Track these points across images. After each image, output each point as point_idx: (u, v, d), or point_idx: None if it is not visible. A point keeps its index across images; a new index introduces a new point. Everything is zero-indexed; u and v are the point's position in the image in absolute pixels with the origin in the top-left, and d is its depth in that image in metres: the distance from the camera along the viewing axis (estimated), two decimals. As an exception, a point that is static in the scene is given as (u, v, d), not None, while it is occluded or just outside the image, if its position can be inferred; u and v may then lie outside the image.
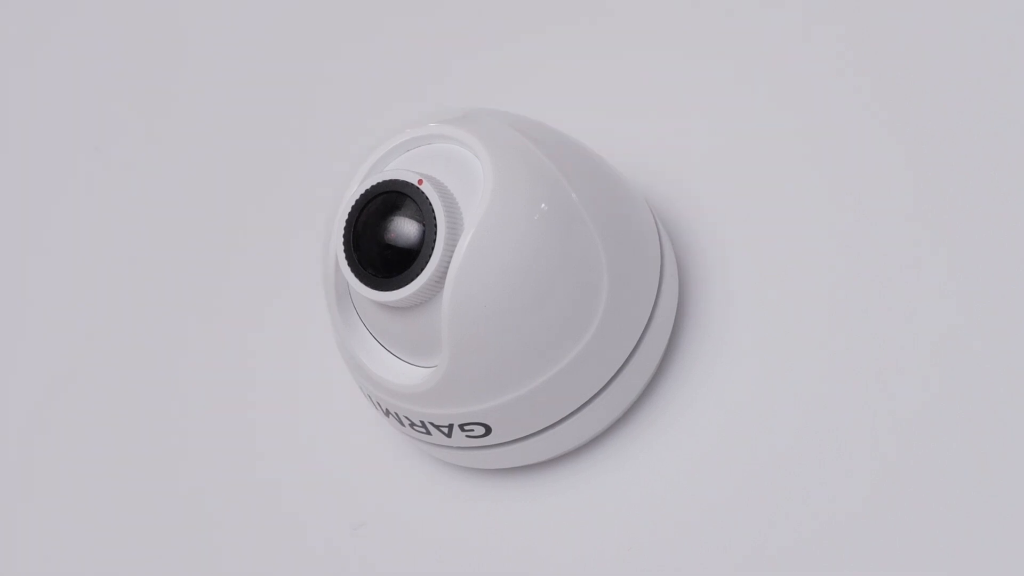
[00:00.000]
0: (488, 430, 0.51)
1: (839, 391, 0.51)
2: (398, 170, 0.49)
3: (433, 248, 0.48)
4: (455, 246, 0.48)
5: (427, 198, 0.48)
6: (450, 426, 0.51)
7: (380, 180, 0.49)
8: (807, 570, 0.49)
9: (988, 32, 0.55)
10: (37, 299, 0.65)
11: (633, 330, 0.51)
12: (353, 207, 0.49)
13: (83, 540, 0.60)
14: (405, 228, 0.49)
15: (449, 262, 0.48)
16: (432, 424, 0.51)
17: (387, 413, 0.52)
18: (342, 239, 0.49)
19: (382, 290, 0.49)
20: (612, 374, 0.51)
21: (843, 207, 0.54)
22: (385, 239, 0.49)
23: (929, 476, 0.49)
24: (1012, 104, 0.53)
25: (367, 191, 0.49)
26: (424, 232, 0.48)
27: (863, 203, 0.54)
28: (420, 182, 0.48)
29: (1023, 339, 0.50)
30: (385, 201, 0.49)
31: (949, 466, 0.49)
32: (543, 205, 0.49)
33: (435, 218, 0.48)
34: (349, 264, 0.49)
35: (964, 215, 0.53)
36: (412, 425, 0.52)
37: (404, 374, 0.51)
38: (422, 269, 0.48)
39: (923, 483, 0.49)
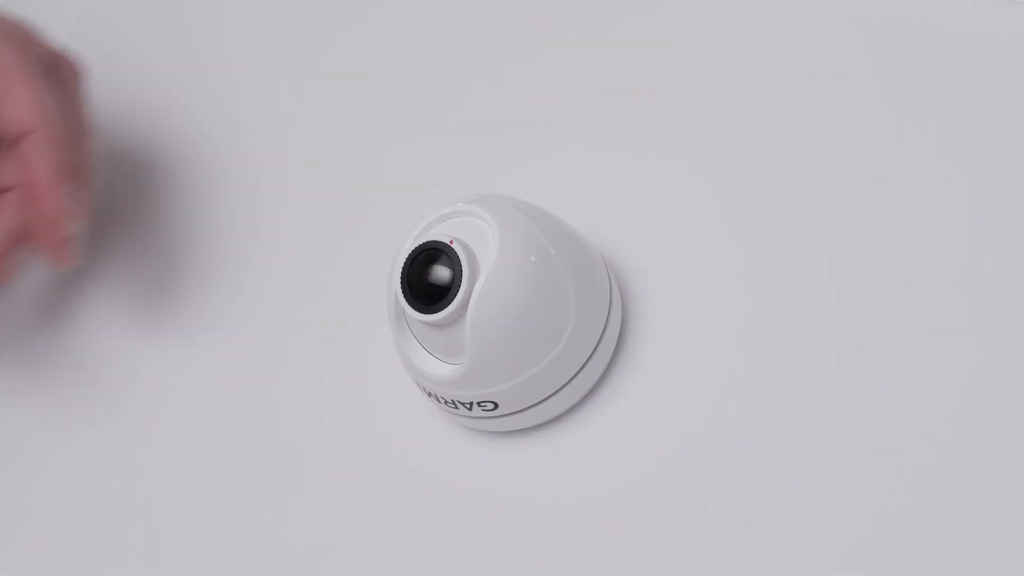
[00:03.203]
0: (496, 406, 0.58)
1: (739, 393, 0.58)
2: (437, 234, 0.56)
3: (460, 286, 0.55)
4: (474, 285, 0.55)
5: (456, 253, 0.55)
6: (471, 403, 0.58)
7: (424, 240, 0.56)
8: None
9: (842, 88, 0.60)
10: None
11: (591, 340, 0.58)
12: (407, 258, 0.56)
13: (185, 475, 0.63)
14: (441, 273, 0.56)
15: (470, 295, 0.55)
16: (459, 402, 0.58)
17: (429, 395, 0.59)
18: (399, 279, 0.56)
19: (426, 313, 0.55)
20: (578, 369, 0.58)
21: (749, 260, 0.60)
22: (428, 280, 0.56)
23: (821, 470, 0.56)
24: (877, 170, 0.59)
25: (416, 248, 0.56)
26: (454, 275, 0.55)
27: (764, 255, 0.60)
28: (451, 242, 0.55)
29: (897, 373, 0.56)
30: (428, 255, 0.56)
31: (838, 456, 0.56)
32: (532, 258, 0.56)
33: (461, 266, 0.55)
34: (404, 296, 0.56)
35: (846, 261, 0.59)
36: (445, 403, 0.58)
37: (440, 369, 0.57)
38: (452, 299, 0.55)
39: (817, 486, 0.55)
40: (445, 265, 0.56)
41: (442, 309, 0.55)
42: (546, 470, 0.60)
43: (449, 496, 0.60)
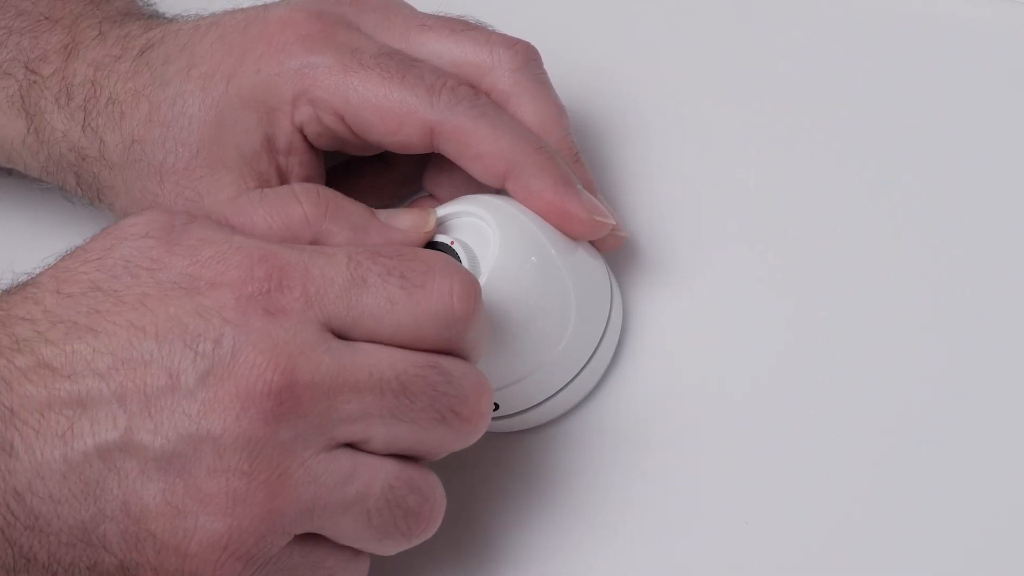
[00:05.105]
0: (497, 407, 0.58)
1: (740, 394, 0.60)
2: (439, 235, 0.56)
3: (461, 287, 0.53)
4: None
5: (457, 253, 0.56)
6: (471, 404, 0.55)
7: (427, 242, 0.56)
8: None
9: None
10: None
11: (592, 341, 0.59)
12: (412, 259, 0.54)
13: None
14: (442, 274, 0.53)
15: (472, 296, 0.53)
16: (462, 403, 0.55)
17: (433, 395, 0.56)
18: (400, 280, 0.54)
19: (427, 314, 0.53)
20: (579, 370, 0.59)
21: (750, 260, 0.62)
22: (429, 280, 0.53)
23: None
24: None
25: (420, 249, 0.54)
26: (455, 276, 0.53)
27: (765, 255, 0.62)
28: (452, 243, 0.56)
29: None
30: (431, 255, 0.53)
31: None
32: (533, 258, 0.57)
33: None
34: (405, 297, 0.53)
35: (848, 262, 0.60)
36: (446, 403, 0.56)
37: (444, 370, 0.54)
38: (455, 300, 0.53)
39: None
40: (447, 265, 0.55)
41: (445, 310, 0.54)
42: (547, 471, 0.61)
43: (448, 497, 0.58)
